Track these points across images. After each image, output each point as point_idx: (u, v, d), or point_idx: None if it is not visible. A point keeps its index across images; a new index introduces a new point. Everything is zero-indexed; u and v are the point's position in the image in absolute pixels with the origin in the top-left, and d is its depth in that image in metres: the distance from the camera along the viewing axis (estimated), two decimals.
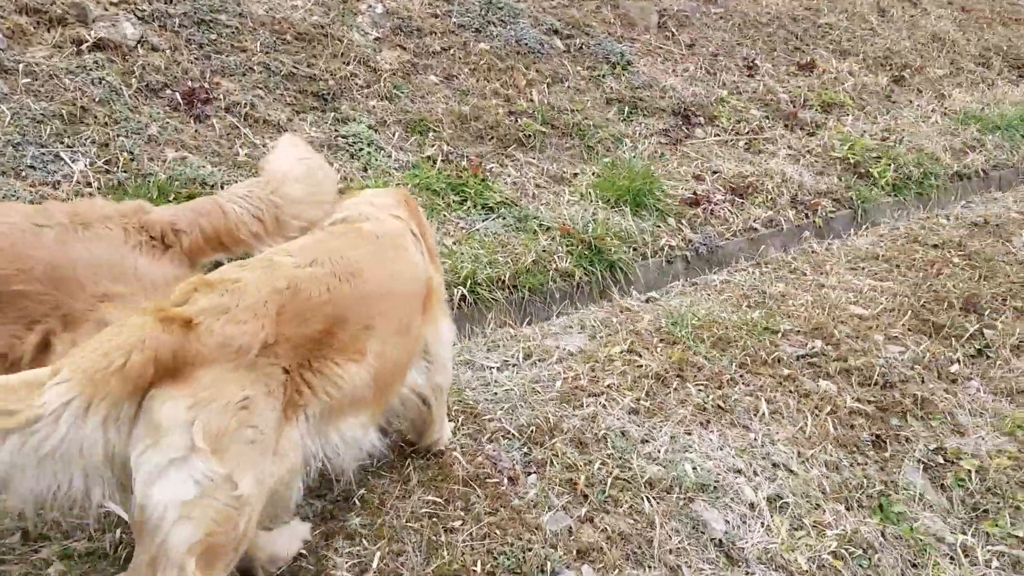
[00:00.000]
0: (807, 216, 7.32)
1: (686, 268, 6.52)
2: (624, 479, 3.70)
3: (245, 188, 3.11)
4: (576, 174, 7.13)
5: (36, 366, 2.64)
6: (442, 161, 6.53)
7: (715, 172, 7.44)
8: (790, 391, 4.53)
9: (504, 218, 6.27)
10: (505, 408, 4.13)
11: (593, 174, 7.03)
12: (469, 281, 5.38)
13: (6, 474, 2.00)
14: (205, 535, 2.18)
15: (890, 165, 8.10)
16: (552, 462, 3.77)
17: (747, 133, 8.25)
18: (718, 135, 8.14)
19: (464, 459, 3.72)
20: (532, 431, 3.94)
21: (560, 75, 7.98)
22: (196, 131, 5.41)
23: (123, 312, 2.71)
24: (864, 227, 7.26)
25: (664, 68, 8.66)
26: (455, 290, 5.27)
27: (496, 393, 4.28)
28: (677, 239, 6.55)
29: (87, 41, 5.45)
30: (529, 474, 3.71)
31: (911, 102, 9.80)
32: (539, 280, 5.72)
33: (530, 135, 7.26)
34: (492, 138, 7.10)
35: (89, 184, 4.68)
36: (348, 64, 6.61)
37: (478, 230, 6.05)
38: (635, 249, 6.32)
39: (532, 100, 7.58)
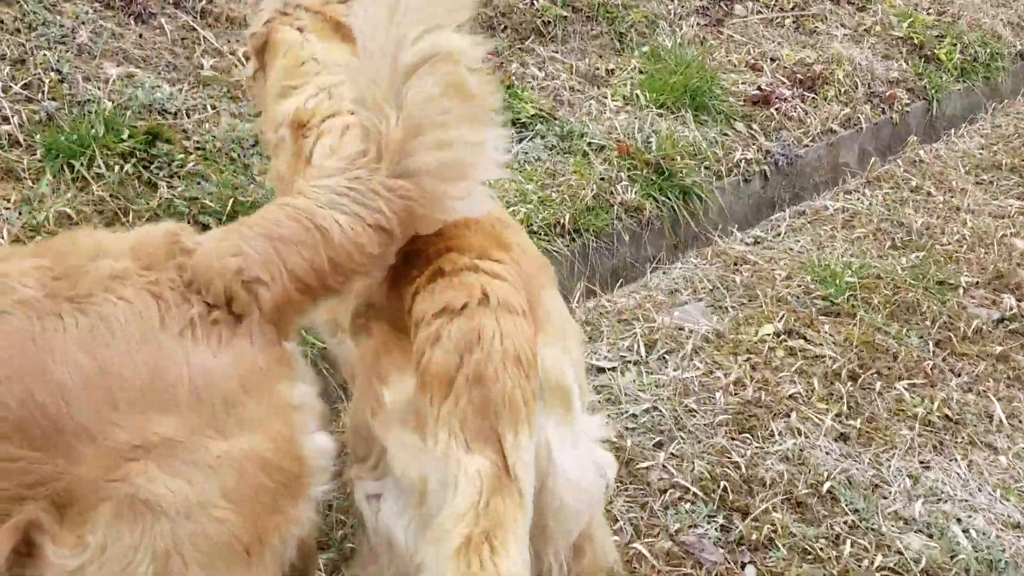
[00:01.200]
0: (883, 111, 6.08)
1: (764, 186, 5.23)
2: (892, 569, 2.47)
3: (344, 175, 1.58)
4: (612, 70, 5.67)
5: None
6: None
7: (773, 60, 6.08)
8: (1010, 378, 3.35)
9: (543, 136, 4.84)
10: (664, 445, 2.83)
11: (637, 70, 5.59)
12: (524, 229, 3.98)
13: None
14: None
15: (955, 45, 6.87)
16: (773, 542, 2.51)
17: (792, 9, 6.87)
18: (761, 12, 6.73)
19: (643, 547, 2.43)
20: (723, 487, 2.66)
21: None
22: (141, 36, 3.81)
23: (178, 476, 1.31)
24: (963, 126, 6.07)
25: None
26: None
27: (637, 417, 2.97)
28: (752, 150, 5.22)
29: None
30: (744, 565, 2.45)
31: None
32: (604, 220, 4.37)
33: (550, 22, 5.73)
34: (506, 28, 5.56)
35: (6, 119, 3.15)
36: None
37: (515, 155, 4.61)
38: (707, 167, 4.98)
39: None
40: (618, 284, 4.06)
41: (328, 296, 1.59)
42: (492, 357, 1.54)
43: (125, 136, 3.72)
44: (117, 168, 3.61)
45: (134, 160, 3.67)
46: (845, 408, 3.03)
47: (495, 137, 1.68)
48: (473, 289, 1.60)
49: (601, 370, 3.22)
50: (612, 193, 4.49)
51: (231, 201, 3.56)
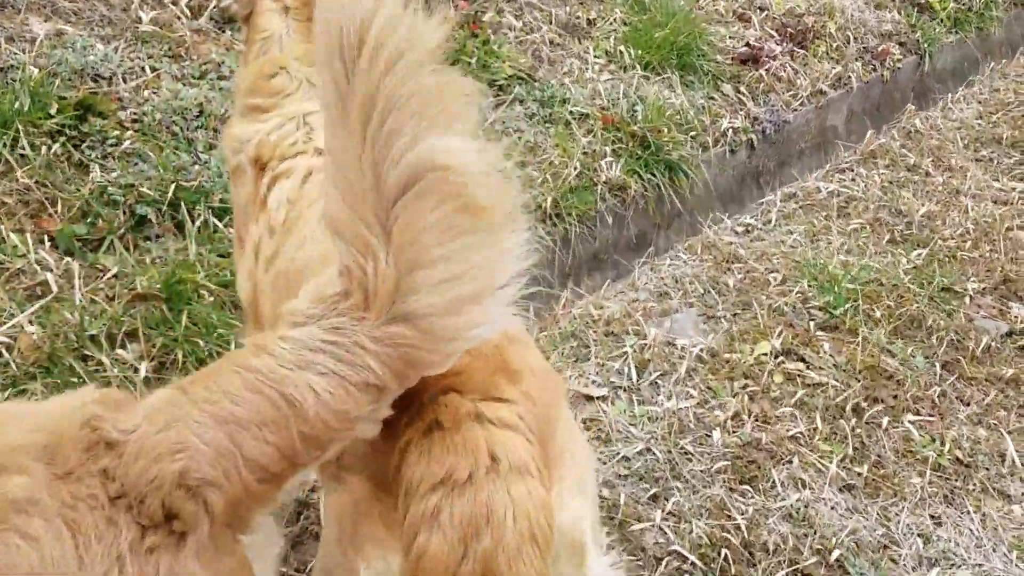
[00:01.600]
0: (875, 68, 5.76)
1: (750, 156, 4.94)
2: None
3: (320, 324, 1.23)
4: (593, 20, 5.26)
5: None
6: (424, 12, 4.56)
7: (762, 9, 5.70)
8: (1022, 405, 3.15)
9: (523, 101, 4.48)
10: (659, 499, 2.59)
11: (620, 21, 5.18)
12: None
13: None
14: None
15: None
16: None
17: None
18: None
19: None
20: (724, 556, 2.44)
21: None
22: None
23: None
24: (960, 90, 5.77)
25: None
26: None
27: (630, 461, 2.72)
28: (740, 117, 4.90)
29: None
30: None
31: None
32: (587, 202, 4.07)
33: None
34: None
35: None
36: None
37: (492, 124, 4.26)
38: (693, 137, 4.67)
39: None
40: (605, 283, 3.78)
41: (300, 472, 1.28)
42: (503, 541, 1.27)
43: (53, 111, 3.34)
44: (44, 148, 3.24)
45: (63, 139, 3.31)
46: (850, 450, 2.81)
47: (516, 244, 1.33)
48: (479, 452, 1.31)
49: (590, 398, 2.96)
50: (596, 171, 4.18)
51: (172, 187, 3.21)
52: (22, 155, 3.20)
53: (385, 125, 1.18)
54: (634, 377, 3.03)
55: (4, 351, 2.67)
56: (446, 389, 1.37)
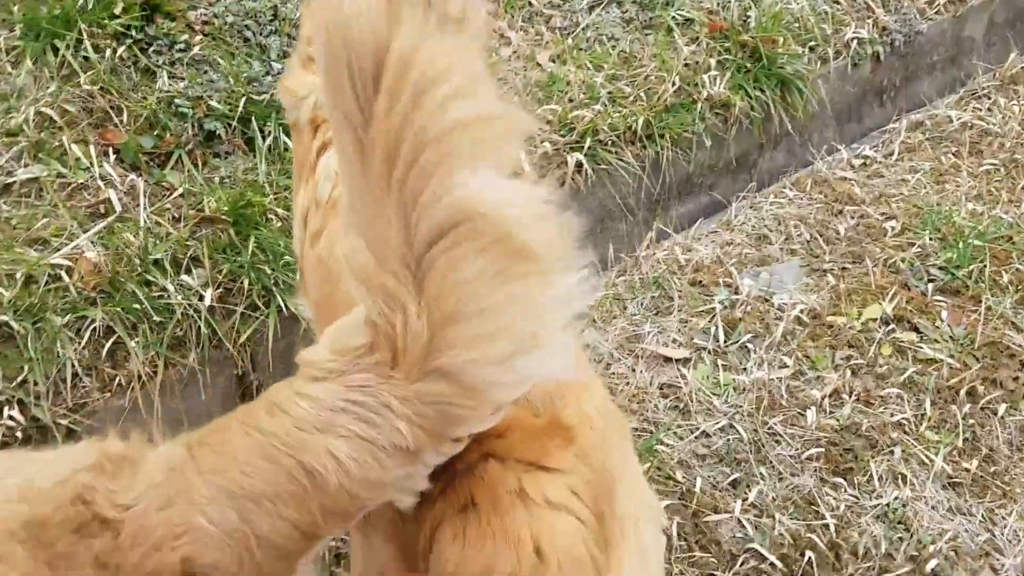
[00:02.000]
0: None
1: (874, 70, 4.46)
2: None
3: (342, 380, 1.02)
4: None
5: None
6: None
7: None
8: None
9: (620, 3, 4.10)
10: (739, 486, 2.38)
11: None
12: (589, 139, 3.42)
13: None
14: None
15: None
16: None
17: None
18: None
19: None
20: (808, 559, 2.23)
21: None
22: None
23: None
24: None
25: None
26: (567, 157, 3.36)
27: (710, 438, 2.50)
28: (867, 26, 4.40)
29: None
30: None
31: None
32: (684, 122, 3.72)
33: None
34: None
35: None
36: None
37: (584, 30, 3.91)
38: (812, 48, 4.22)
39: None
40: (697, 219, 3.48)
41: (320, 542, 1.11)
42: None
43: (119, 10, 3.14)
44: (109, 52, 3.06)
45: (129, 41, 3.12)
46: (960, 442, 2.53)
47: (572, 286, 1.09)
48: (522, 544, 1.11)
49: (668, 360, 2.73)
50: (697, 86, 3.80)
51: (243, 100, 3.01)
52: (85, 58, 3.03)
53: (413, 168, 0.94)
54: (721, 338, 2.78)
55: (64, 274, 2.55)
56: (484, 455, 1.16)
